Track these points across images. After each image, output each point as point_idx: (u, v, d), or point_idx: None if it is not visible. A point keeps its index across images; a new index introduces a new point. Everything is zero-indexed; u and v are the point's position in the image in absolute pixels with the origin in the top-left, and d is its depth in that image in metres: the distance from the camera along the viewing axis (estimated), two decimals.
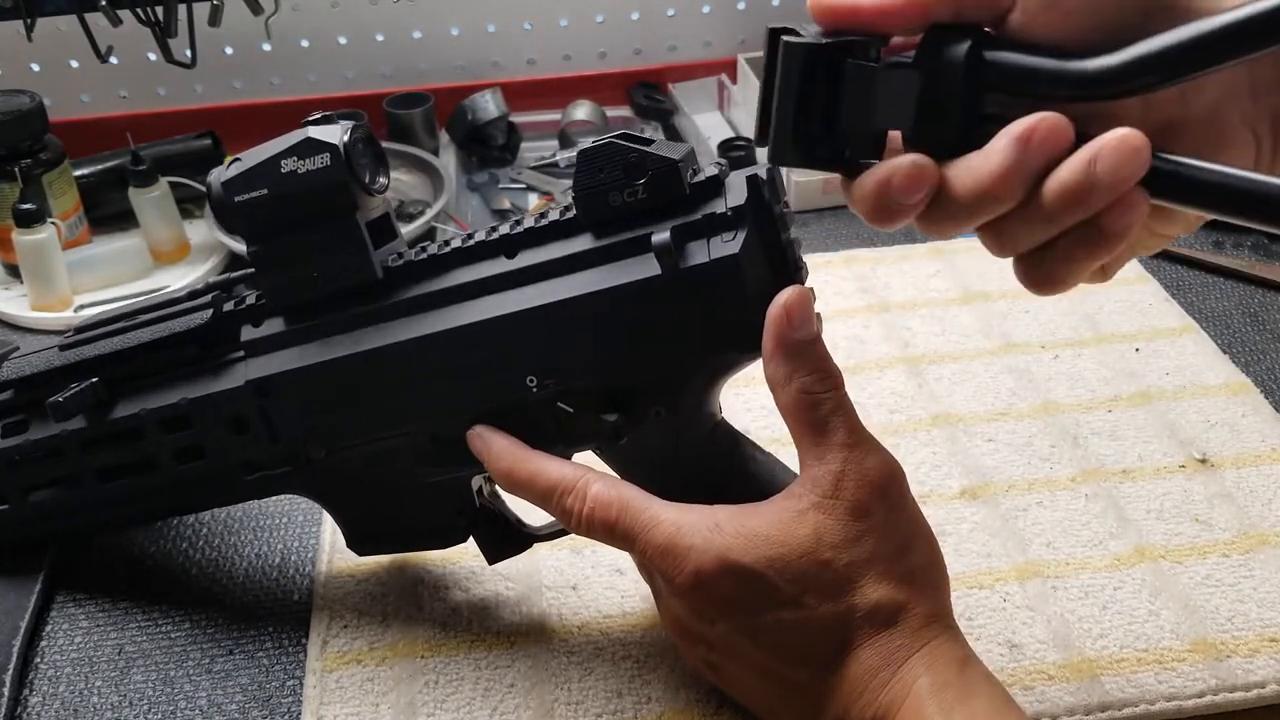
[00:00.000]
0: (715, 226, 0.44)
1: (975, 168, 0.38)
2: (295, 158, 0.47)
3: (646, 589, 0.56)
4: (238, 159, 0.48)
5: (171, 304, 0.54)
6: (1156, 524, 0.60)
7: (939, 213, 0.39)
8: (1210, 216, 0.38)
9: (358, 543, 0.55)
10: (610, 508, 0.45)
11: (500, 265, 0.48)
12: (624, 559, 0.58)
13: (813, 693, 0.44)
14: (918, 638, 0.43)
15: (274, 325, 0.51)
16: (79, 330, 0.56)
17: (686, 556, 0.43)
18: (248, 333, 0.52)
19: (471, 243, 0.49)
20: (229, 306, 0.52)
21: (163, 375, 0.53)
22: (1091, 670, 0.52)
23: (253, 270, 0.51)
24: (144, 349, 0.53)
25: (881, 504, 0.44)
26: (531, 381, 0.48)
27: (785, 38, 0.39)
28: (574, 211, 0.47)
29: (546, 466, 0.47)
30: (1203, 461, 0.64)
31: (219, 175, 0.48)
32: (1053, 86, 0.38)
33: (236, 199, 0.48)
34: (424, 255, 0.49)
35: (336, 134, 0.47)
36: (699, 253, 0.45)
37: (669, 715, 0.50)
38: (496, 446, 0.48)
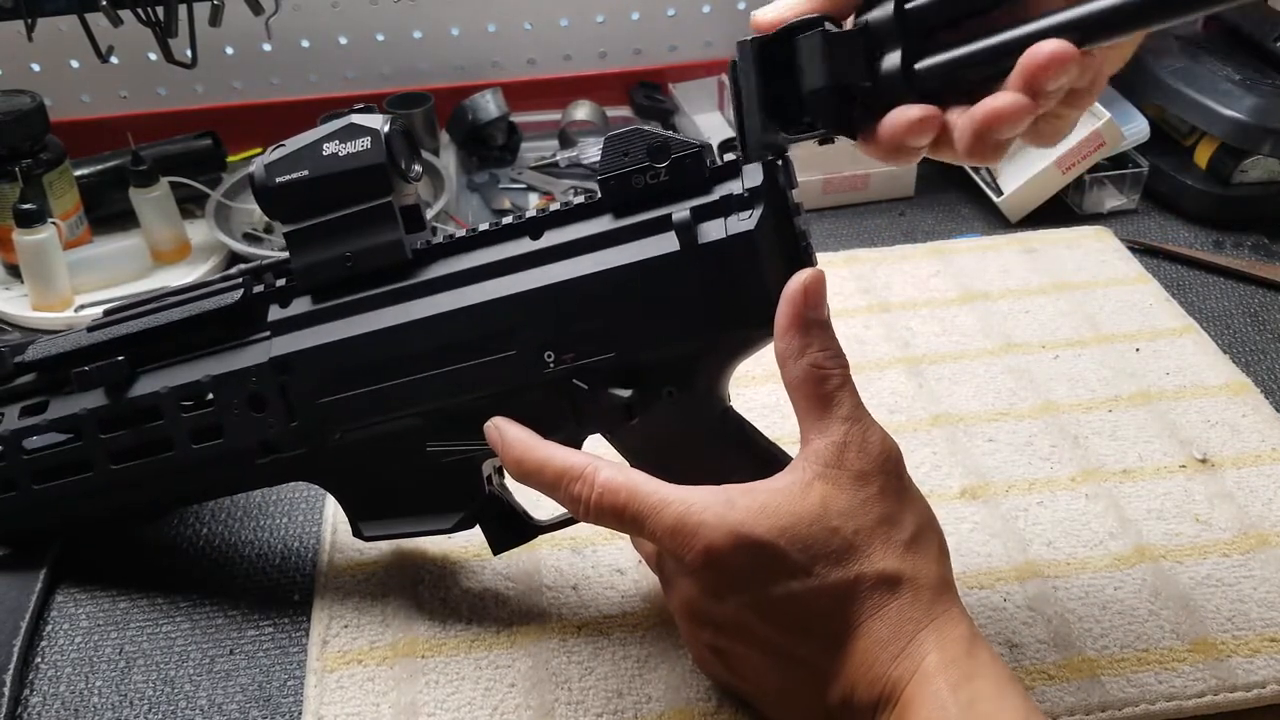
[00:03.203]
0: (732, 207, 0.47)
1: (959, 141, 0.43)
2: (338, 141, 0.49)
3: (647, 588, 0.56)
4: (281, 145, 0.50)
5: (200, 287, 0.55)
6: (1157, 524, 0.60)
7: (944, 148, 0.44)
8: (1164, 25, 0.41)
9: (364, 528, 0.55)
10: (619, 492, 0.45)
11: (524, 246, 0.50)
12: (625, 559, 0.58)
13: (820, 669, 0.44)
14: (928, 612, 0.44)
15: (301, 306, 0.52)
16: (108, 313, 0.56)
17: (697, 533, 0.44)
18: (274, 313, 0.53)
19: (498, 226, 0.50)
20: (258, 289, 0.54)
21: (187, 356, 0.54)
22: (1092, 670, 0.52)
23: (280, 259, 0.53)
24: (171, 328, 0.54)
25: (881, 473, 0.45)
26: (549, 357, 0.49)
27: (738, 40, 0.45)
28: (598, 195, 0.49)
29: (555, 454, 0.48)
30: (1203, 461, 0.64)
31: (262, 159, 0.50)
32: (972, 4, 0.43)
33: (278, 180, 0.50)
34: (452, 239, 0.51)
35: (378, 121, 0.50)
36: (716, 230, 0.47)
37: (669, 714, 0.50)
38: (509, 435, 0.49)
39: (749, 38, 0.45)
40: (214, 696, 0.53)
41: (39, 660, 0.55)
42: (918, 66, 0.43)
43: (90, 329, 0.55)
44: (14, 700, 0.52)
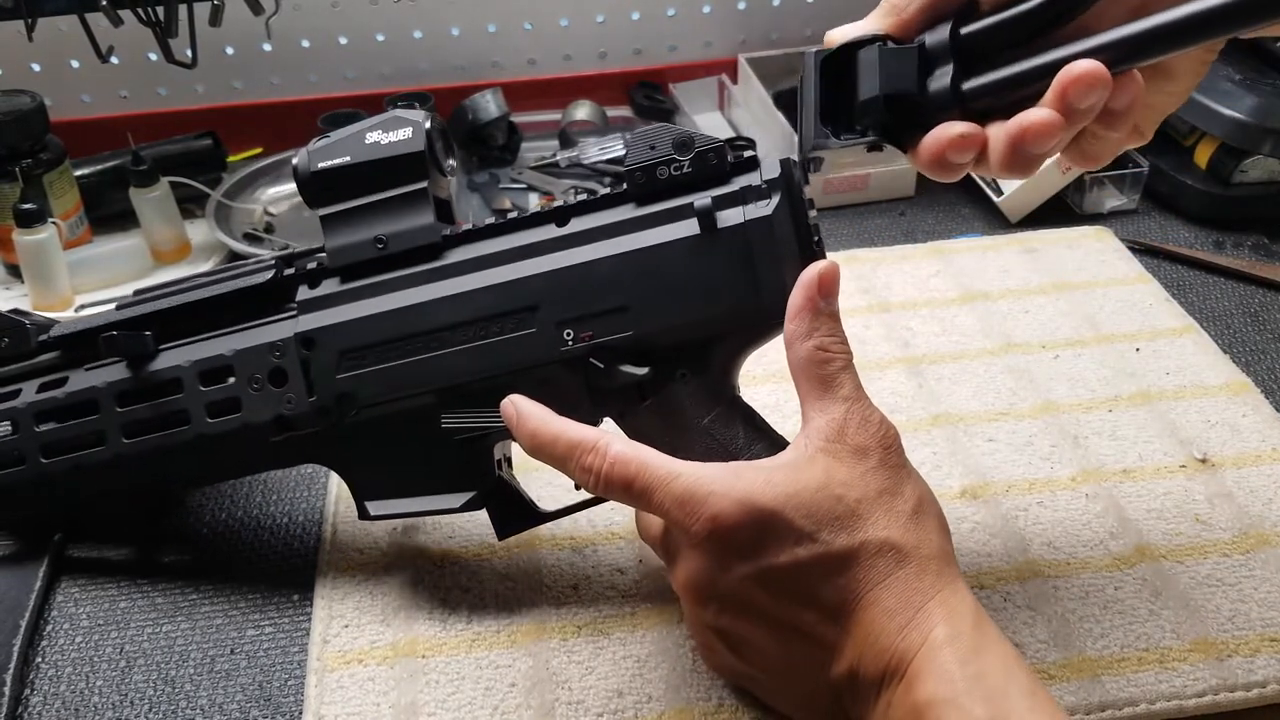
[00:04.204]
0: (750, 197, 0.49)
1: (993, 154, 0.45)
2: (380, 130, 0.52)
3: (647, 588, 0.56)
4: (325, 136, 0.53)
5: (233, 268, 0.56)
6: (1157, 524, 0.60)
7: (984, 164, 0.46)
8: (1190, 48, 0.43)
9: (371, 508, 0.55)
10: (629, 464, 0.46)
11: (550, 232, 0.52)
12: (625, 559, 0.58)
13: (826, 641, 0.45)
14: (934, 583, 0.44)
15: (330, 286, 0.54)
16: (138, 293, 0.57)
17: (706, 502, 0.45)
18: (303, 293, 0.54)
19: (526, 214, 0.52)
20: (289, 271, 0.55)
21: (213, 333, 0.55)
22: (1092, 670, 0.52)
23: (310, 248, 0.54)
24: (199, 306, 0.55)
25: (880, 448, 0.46)
26: (568, 335, 0.50)
27: (806, 50, 0.49)
28: (623, 186, 0.51)
29: (569, 428, 0.49)
30: (1203, 461, 0.64)
31: (306, 148, 0.53)
32: (1021, 30, 0.46)
33: (320, 165, 0.52)
34: (480, 226, 0.53)
35: (420, 115, 0.53)
36: (735, 217, 0.49)
37: (670, 714, 0.50)
38: (524, 410, 0.50)
39: (815, 49, 0.48)
40: (214, 696, 0.53)
41: (39, 660, 0.55)
42: (965, 86, 0.46)
43: (119, 307, 0.57)
44: (14, 700, 0.52)
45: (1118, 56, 0.42)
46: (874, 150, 0.48)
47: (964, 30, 0.46)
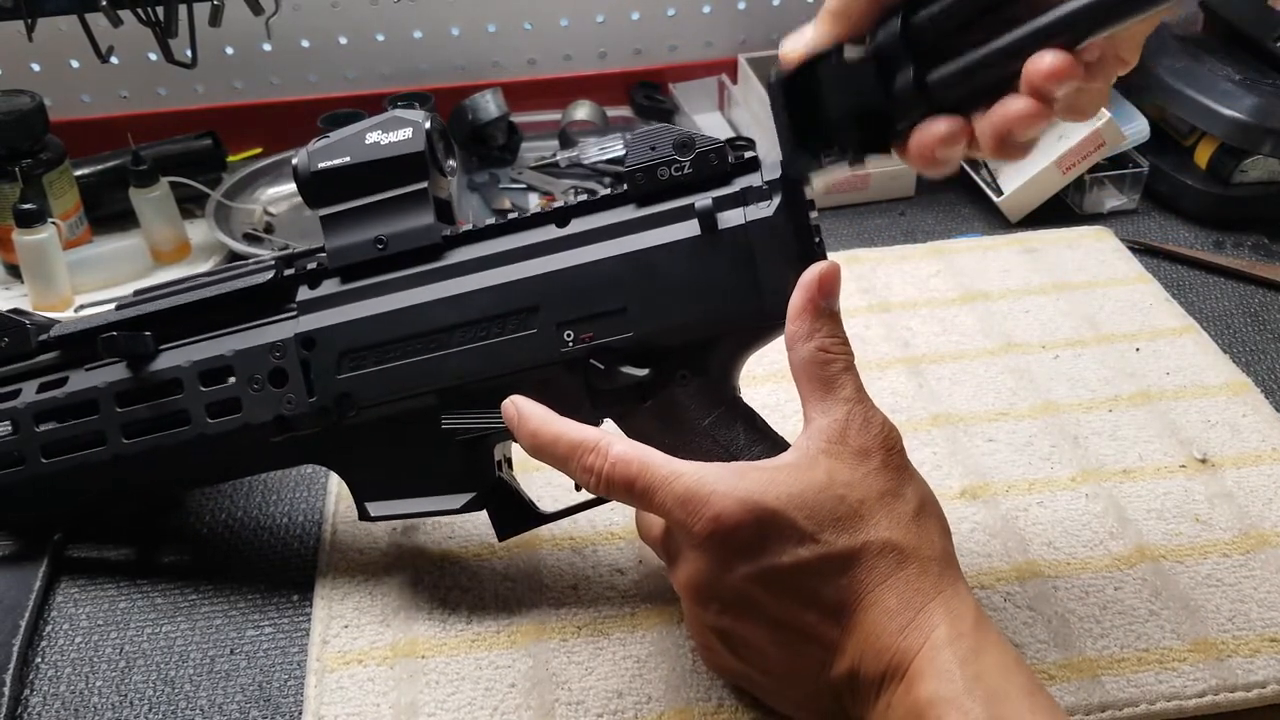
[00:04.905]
0: (751, 198, 0.49)
1: (982, 144, 0.44)
2: (380, 131, 0.52)
3: (648, 588, 0.56)
4: (325, 136, 0.53)
5: (232, 268, 0.56)
6: (1157, 524, 0.60)
7: (975, 153, 0.45)
8: (1149, 14, 0.40)
9: (371, 509, 0.55)
10: (631, 464, 0.46)
11: (551, 233, 0.52)
12: (625, 559, 0.58)
13: (827, 641, 0.45)
14: (935, 584, 0.44)
15: (330, 287, 0.54)
16: (138, 293, 0.57)
17: (708, 501, 0.45)
18: (303, 294, 0.54)
19: (526, 214, 0.52)
20: (289, 272, 0.55)
21: (212, 334, 0.55)
22: (1092, 670, 0.52)
23: (312, 248, 0.54)
24: (199, 306, 0.55)
25: (882, 449, 0.46)
26: (568, 336, 0.50)
27: (767, 81, 0.47)
28: (624, 187, 0.51)
29: (570, 428, 0.49)
30: (1203, 461, 0.64)
31: (306, 148, 0.53)
32: (973, 8, 0.43)
33: (320, 165, 0.52)
34: (480, 227, 0.53)
35: (419, 115, 0.53)
36: (736, 218, 0.49)
37: (669, 714, 0.50)
38: (525, 410, 0.50)
39: (774, 77, 0.47)
40: (214, 696, 0.53)
41: (39, 660, 0.55)
42: (930, 79, 0.44)
43: (119, 307, 0.57)
44: (14, 700, 0.52)
45: (1077, 36, 0.40)
46: (856, 165, 0.48)
47: (915, 19, 0.44)
